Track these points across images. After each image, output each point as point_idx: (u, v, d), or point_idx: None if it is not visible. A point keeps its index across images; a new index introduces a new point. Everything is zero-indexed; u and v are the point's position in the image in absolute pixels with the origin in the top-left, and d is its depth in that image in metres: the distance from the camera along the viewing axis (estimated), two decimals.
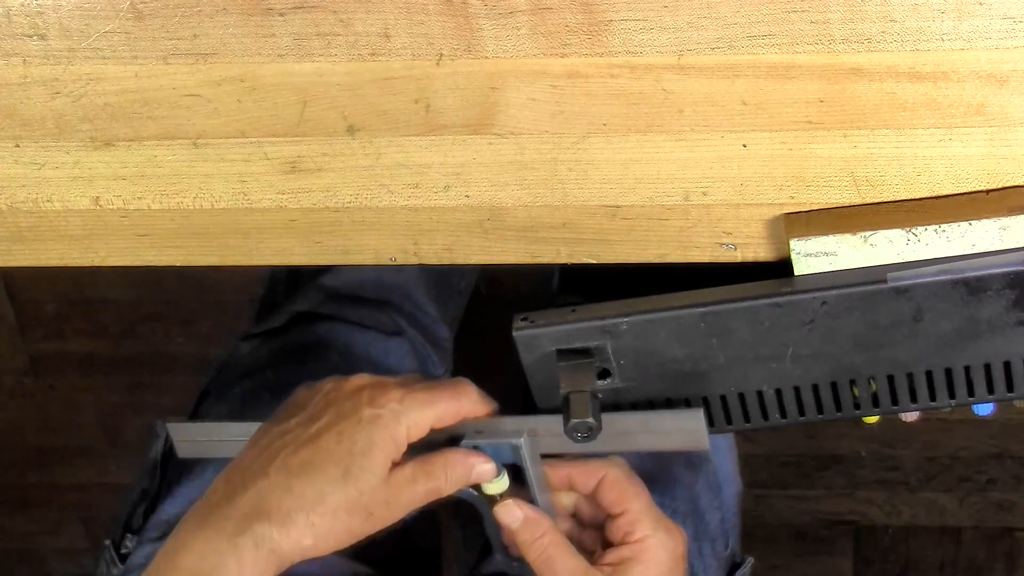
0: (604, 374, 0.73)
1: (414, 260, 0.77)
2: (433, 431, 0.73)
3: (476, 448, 0.72)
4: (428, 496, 0.72)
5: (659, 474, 0.91)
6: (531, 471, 0.73)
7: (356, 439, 0.70)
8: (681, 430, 0.72)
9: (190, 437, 0.80)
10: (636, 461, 0.77)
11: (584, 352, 0.72)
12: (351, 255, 0.77)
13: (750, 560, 0.98)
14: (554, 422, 0.72)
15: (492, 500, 0.73)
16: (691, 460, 0.95)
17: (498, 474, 0.72)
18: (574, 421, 0.69)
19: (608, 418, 0.72)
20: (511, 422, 0.73)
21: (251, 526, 0.69)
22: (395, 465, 0.71)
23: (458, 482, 0.72)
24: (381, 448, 0.70)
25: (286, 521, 0.69)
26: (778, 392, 0.73)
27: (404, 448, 0.71)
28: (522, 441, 0.72)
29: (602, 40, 0.68)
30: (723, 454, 1.01)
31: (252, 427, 0.76)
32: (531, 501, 0.73)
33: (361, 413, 0.71)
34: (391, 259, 0.77)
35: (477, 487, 0.73)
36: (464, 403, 0.73)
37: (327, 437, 0.71)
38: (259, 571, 0.69)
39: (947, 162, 0.69)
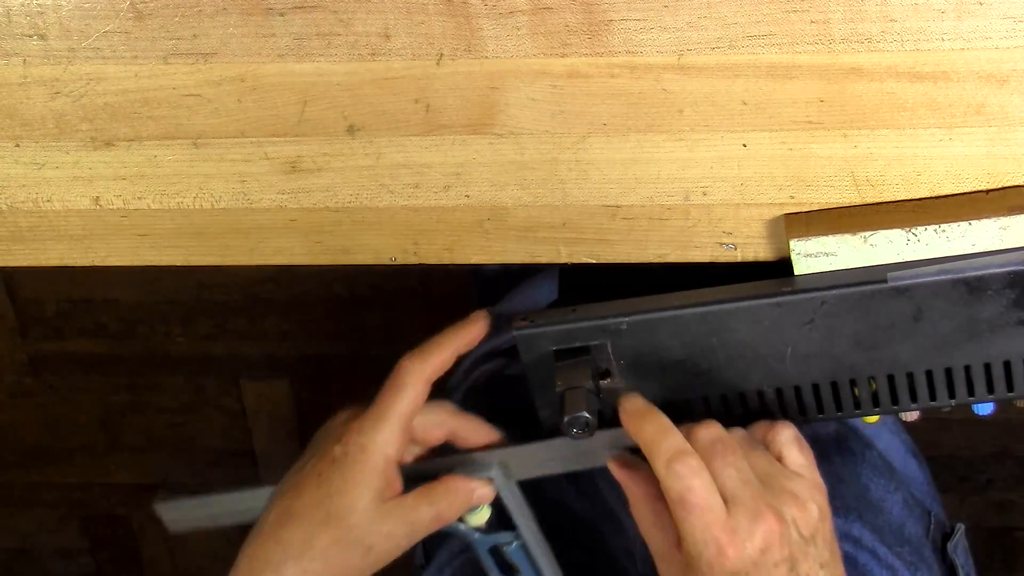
0: (604, 374, 0.73)
1: (414, 260, 0.77)
2: (423, 446, 0.75)
3: None
4: (433, 523, 0.73)
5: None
6: (510, 500, 0.74)
7: (332, 479, 0.71)
8: None
9: (180, 515, 0.80)
10: None
11: (583, 351, 0.72)
12: (351, 255, 0.77)
13: (960, 527, 0.93)
14: (526, 450, 0.74)
15: (479, 530, 0.75)
16: (844, 449, 0.92)
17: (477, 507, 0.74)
18: (570, 416, 0.69)
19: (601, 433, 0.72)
20: (481, 456, 0.75)
21: None
22: (396, 496, 0.72)
23: (461, 507, 0.73)
24: (357, 484, 0.71)
25: (276, 574, 0.70)
26: (779, 392, 0.73)
27: (391, 471, 0.72)
28: (494, 474, 0.73)
29: (602, 40, 0.68)
30: (887, 432, 0.98)
31: (240, 496, 0.77)
32: (514, 527, 0.74)
33: (334, 452, 0.72)
34: (391, 259, 0.77)
35: (462, 520, 0.74)
36: (416, 387, 0.72)
37: (308, 481, 0.72)
38: None
39: (947, 162, 0.69)
